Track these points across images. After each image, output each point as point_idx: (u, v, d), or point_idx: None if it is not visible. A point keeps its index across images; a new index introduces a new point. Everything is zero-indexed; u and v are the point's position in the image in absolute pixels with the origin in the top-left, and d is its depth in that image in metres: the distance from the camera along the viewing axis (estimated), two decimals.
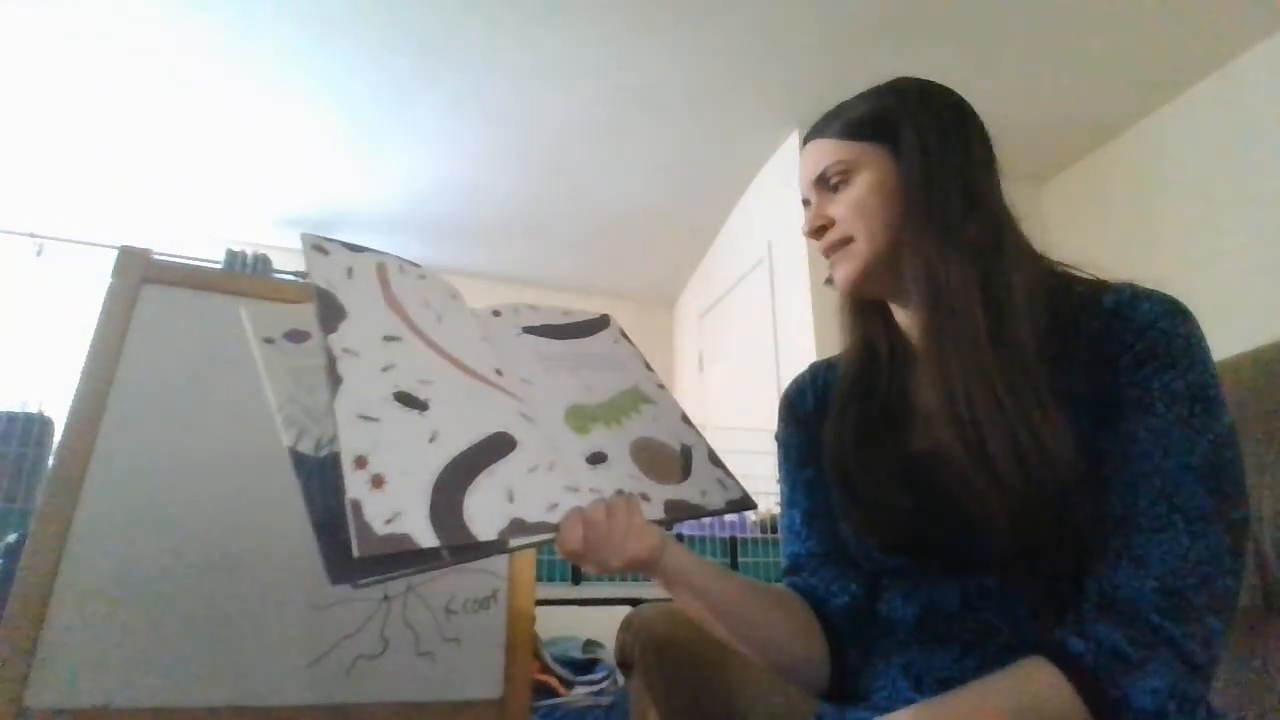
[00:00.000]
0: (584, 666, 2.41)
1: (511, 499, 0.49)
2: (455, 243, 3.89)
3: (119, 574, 0.92)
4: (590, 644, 2.60)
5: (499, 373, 0.58)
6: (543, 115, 2.88)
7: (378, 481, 0.44)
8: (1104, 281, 0.59)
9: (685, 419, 0.67)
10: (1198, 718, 0.51)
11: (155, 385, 1.01)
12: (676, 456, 0.63)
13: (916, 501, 0.59)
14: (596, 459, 0.58)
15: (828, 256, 0.67)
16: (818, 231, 0.67)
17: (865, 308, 0.71)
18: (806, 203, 0.70)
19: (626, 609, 1.01)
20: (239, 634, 0.94)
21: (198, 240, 3.60)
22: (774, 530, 1.99)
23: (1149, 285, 0.57)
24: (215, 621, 0.94)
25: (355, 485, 0.43)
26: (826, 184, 0.67)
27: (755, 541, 1.94)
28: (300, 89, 2.74)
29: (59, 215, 3.44)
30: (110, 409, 0.98)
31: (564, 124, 2.94)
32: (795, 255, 2.84)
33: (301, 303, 1.16)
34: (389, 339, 0.53)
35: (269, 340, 0.57)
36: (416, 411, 0.50)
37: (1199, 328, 0.54)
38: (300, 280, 3.42)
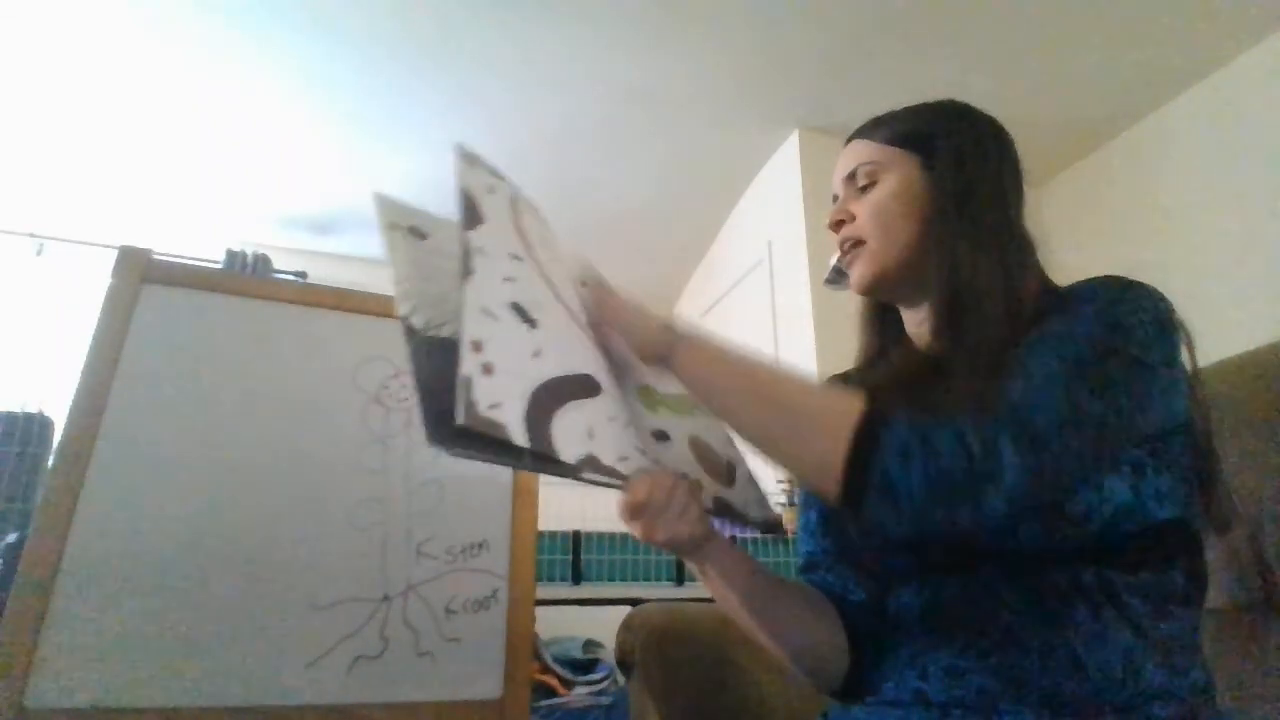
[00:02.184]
0: (584, 666, 2.41)
1: (591, 436, 0.51)
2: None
3: (119, 574, 0.92)
4: (590, 644, 2.60)
5: (592, 327, 0.62)
6: (542, 115, 2.88)
7: (488, 369, 0.46)
8: None
9: (730, 439, 0.70)
10: (1201, 717, 0.51)
11: (155, 385, 1.02)
12: (725, 465, 0.66)
13: None
14: (660, 436, 0.61)
15: (842, 250, 0.70)
16: (837, 224, 0.70)
17: (880, 317, 0.74)
18: (835, 198, 0.72)
19: (627, 609, 1.01)
20: (239, 634, 0.94)
21: (198, 240, 3.60)
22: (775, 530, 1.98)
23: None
24: (215, 621, 0.94)
25: (469, 364, 0.45)
26: (855, 183, 0.69)
27: (757, 541, 1.94)
28: (300, 89, 2.74)
29: (59, 215, 3.44)
30: (110, 409, 0.98)
31: (564, 124, 2.94)
32: (795, 255, 2.84)
33: (305, 304, 1.16)
34: (514, 257, 0.56)
35: (394, 226, 0.60)
36: (527, 326, 0.52)
37: (1149, 296, 0.54)
38: (300, 280, 3.43)
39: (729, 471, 0.65)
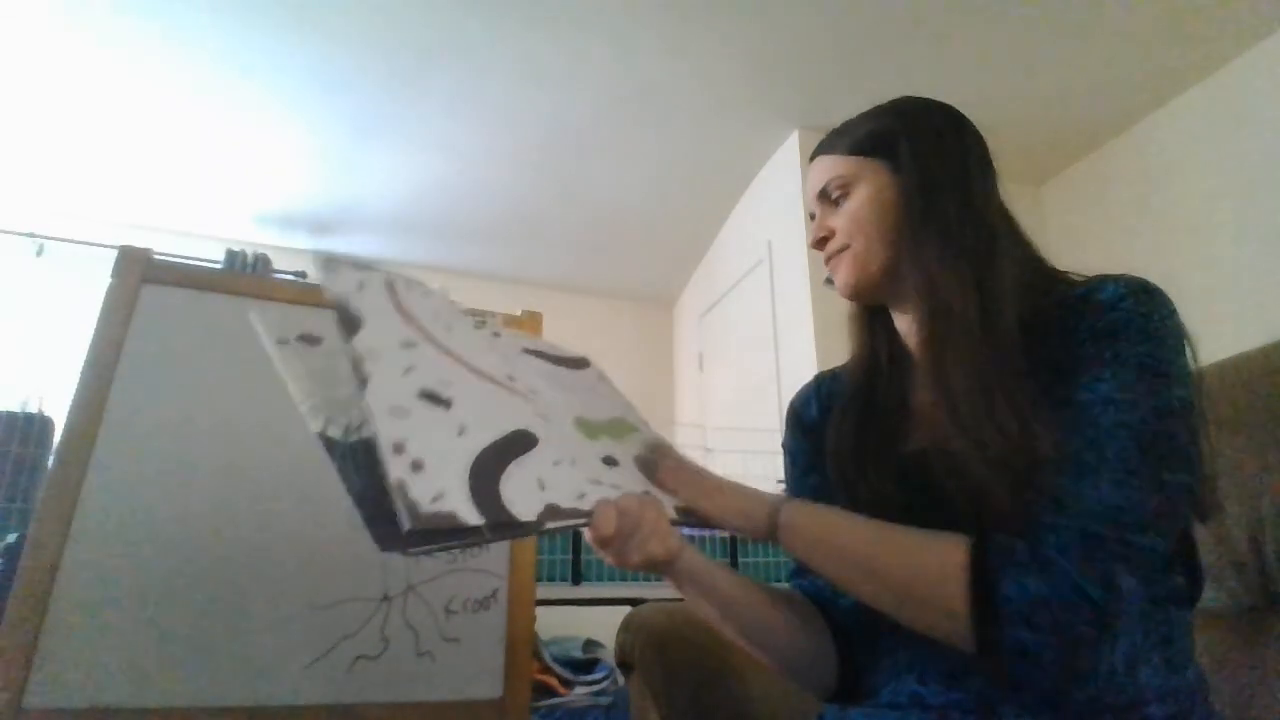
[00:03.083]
0: (584, 666, 2.41)
1: (543, 487, 0.51)
2: (455, 243, 3.89)
3: (119, 574, 0.92)
4: (590, 644, 2.60)
5: (511, 379, 0.61)
6: (542, 115, 2.88)
7: (417, 465, 0.45)
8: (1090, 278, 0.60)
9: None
10: (1196, 717, 0.51)
11: (155, 385, 1.02)
12: None
13: (912, 499, 0.60)
14: (609, 461, 0.61)
15: (829, 265, 0.70)
16: (820, 243, 0.70)
17: (871, 318, 0.74)
18: (812, 216, 0.73)
19: (626, 609, 1.01)
20: (239, 634, 0.94)
21: (198, 240, 3.60)
22: None
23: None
24: (215, 621, 0.94)
25: (397, 468, 0.45)
26: (828, 198, 0.70)
27: (756, 541, 1.94)
28: (300, 90, 2.74)
29: (59, 215, 3.44)
30: (110, 409, 0.98)
31: (563, 124, 2.94)
32: (795, 255, 2.84)
33: (304, 304, 1.16)
34: (406, 344, 0.54)
35: (283, 341, 0.59)
36: (442, 408, 0.51)
37: (1166, 306, 0.54)
38: (299, 280, 3.43)
39: None
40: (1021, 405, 0.53)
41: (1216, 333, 0.64)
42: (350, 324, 0.52)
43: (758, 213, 3.29)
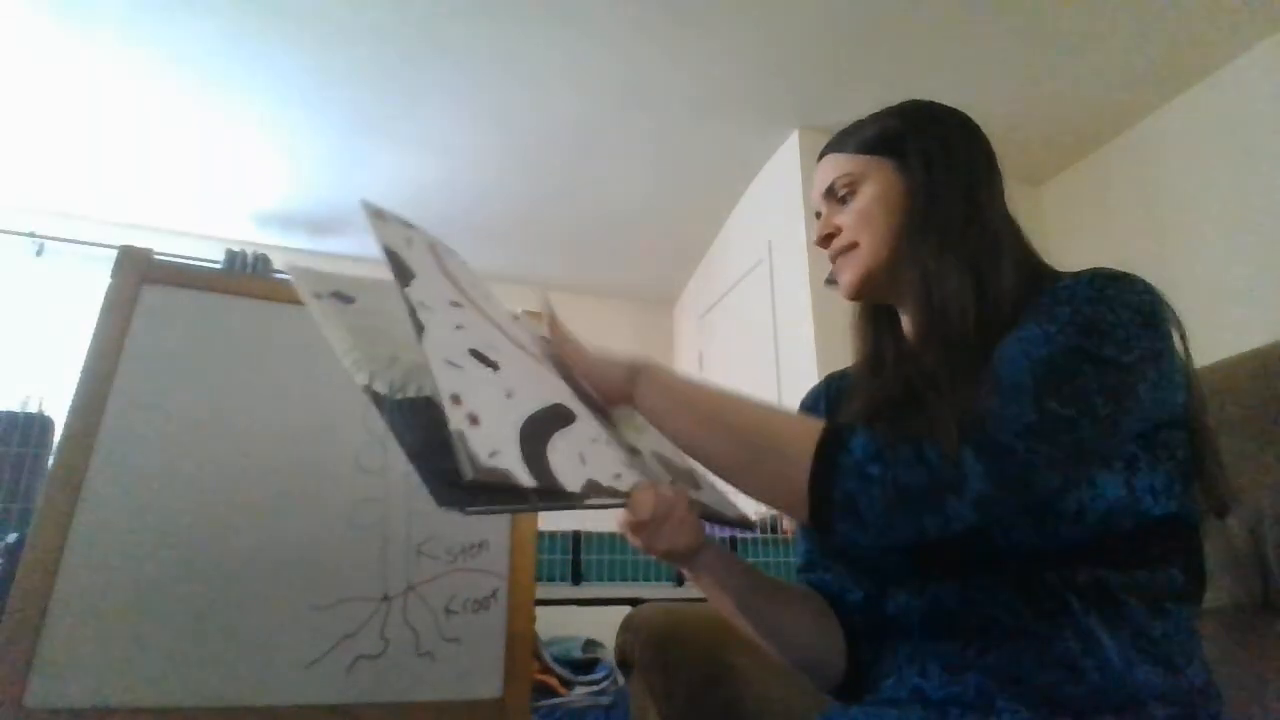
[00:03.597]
0: (584, 666, 2.41)
1: (584, 461, 0.51)
2: (455, 243, 3.79)
3: (119, 574, 0.92)
4: (590, 644, 2.60)
5: (540, 358, 0.61)
6: (543, 115, 2.88)
7: (474, 419, 0.45)
8: None
9: (679, 451, 0.71)
10: (1200, 717, 0.51)
11: (155, 385, 1.02)
12: (687, 471, 0.66)
13: None
14: (633, 451, 0.61)
15: (834, 262, 0.70)
16: (825, 240, 0.71)
17: (876, 318, 0.74)
18: (818, 215, 0.73)
19: (626, 609, 1.01)
20: (239, 634, 0.94)
21: (198, 240, 3.60)
22: (774, 530, 1.99)
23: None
24: (215, 621, 0.94)
25: (456, 418, 0.44)
26: (835, 196, 0.70)
27: (756, 542, 1.94)
28: (300, 90, 2.74)
29: (59, 215, 3.44)
30: (110, 409, 0.98)
31: (564, 124, 2.94)
32: (795, 255, 2.84)
33: (301, 305, 1.16)
34: (453, 304, 0.55)
35: (318, 295, 0.59)
36: (490, 369, 0.51)
37: (1134, 286, 0.54)
38: None
39: (693, 476, 0.66)
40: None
41: (1216, 333, 0.64)
42: (404, 273, 0.52)
43: (758, 213, 3.29)
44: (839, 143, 0.71)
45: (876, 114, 0.71)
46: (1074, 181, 3.07)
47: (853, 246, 0.67)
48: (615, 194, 3.44)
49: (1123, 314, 0.52)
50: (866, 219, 0.66)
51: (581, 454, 0.51)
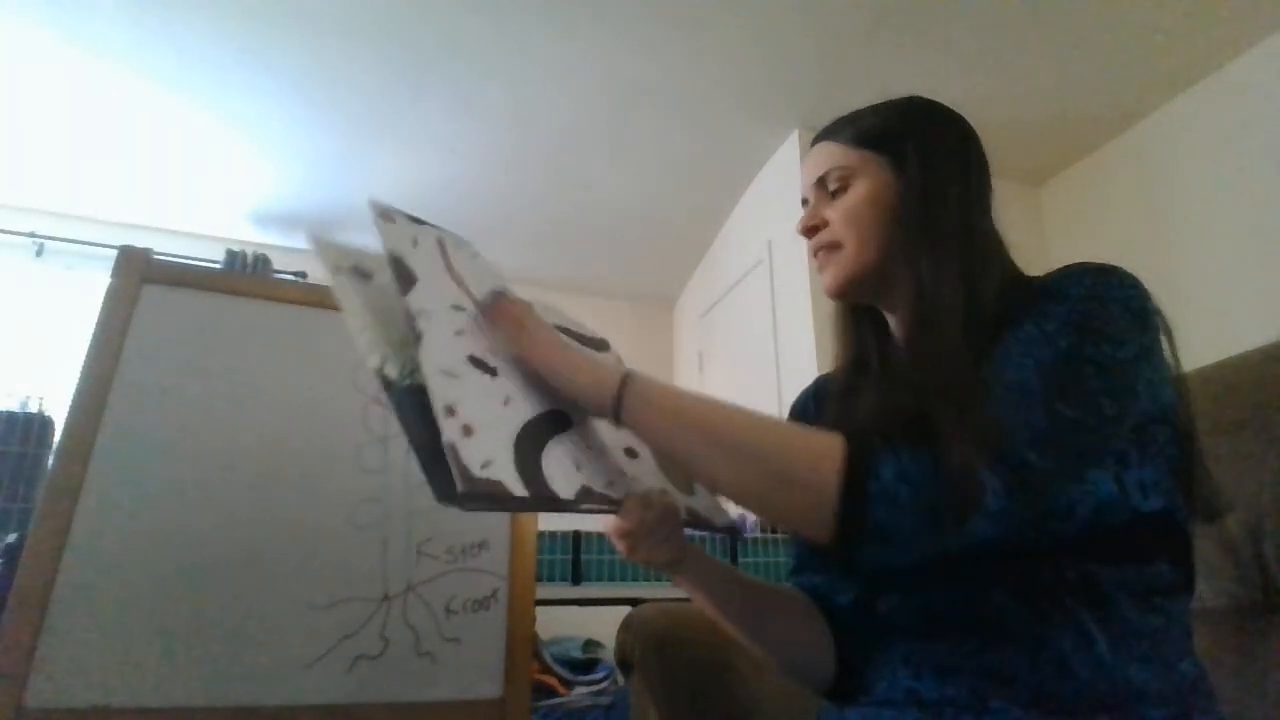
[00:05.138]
0: (584, 666, 2.41)
1: (579, 468, 0.52)
2: None
3: (118, 574, 0.92)
4: (590, 644, 2.60)
5: None
6: (542, 115, 2.88)
7: (468, 430, 0.46)
8: None
9: None
10: (1194, 718, 0.51)
11: (155, 385, 1.02)
12: (683, 473, 0.66)
13: None
14: (630, 453, 0.62)
15: (816, 257, 0.69)
16: (810, 231, 0.69)
17: (858, 318, 0.73)
18: (805, 201, 0.72)
19: (626, 609, 1.01)
20: (239, 634, 0.94)
21: (198, 240, 3.60)
22: (774, 530, 1.99)
23: (1147, 284, 0.57)
24: (215, 621, 0.94)
25: (449, 430, 0.45)
26: (826, 187, 0.68)
27: (755, 542, 1.94)
28: (300, 90, 2.74)
29: (59, 215, 3.44)
30: (110, 409, 0.98)
31: (564, 124, 2.94)
32: (795, 255, 2.84)
33: (307, 305, 1.15)
34: (455, 308, 0.55)
35: (338, 269, 0.59)
36: (489, 376, 0.52)
37: (1124, 282, 0.54)
38: (300, 281, 3.42)
39: (687, 480, 0.66)
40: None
41: (1216, 333, 0.64)
42: (406, 279, 0.53)
43: (758, 213, 3.29)
44: (836, 130, 0.70)
45: (877, 105, 0.70)
46: (1074, 181, 3.07)
47: (837, 246, 0.66)
48: (616, 194, 3.44)
49: (1115, 308, 0.52)
50: (855, 220, 0.65)
51: (577, 460, 0.52)
